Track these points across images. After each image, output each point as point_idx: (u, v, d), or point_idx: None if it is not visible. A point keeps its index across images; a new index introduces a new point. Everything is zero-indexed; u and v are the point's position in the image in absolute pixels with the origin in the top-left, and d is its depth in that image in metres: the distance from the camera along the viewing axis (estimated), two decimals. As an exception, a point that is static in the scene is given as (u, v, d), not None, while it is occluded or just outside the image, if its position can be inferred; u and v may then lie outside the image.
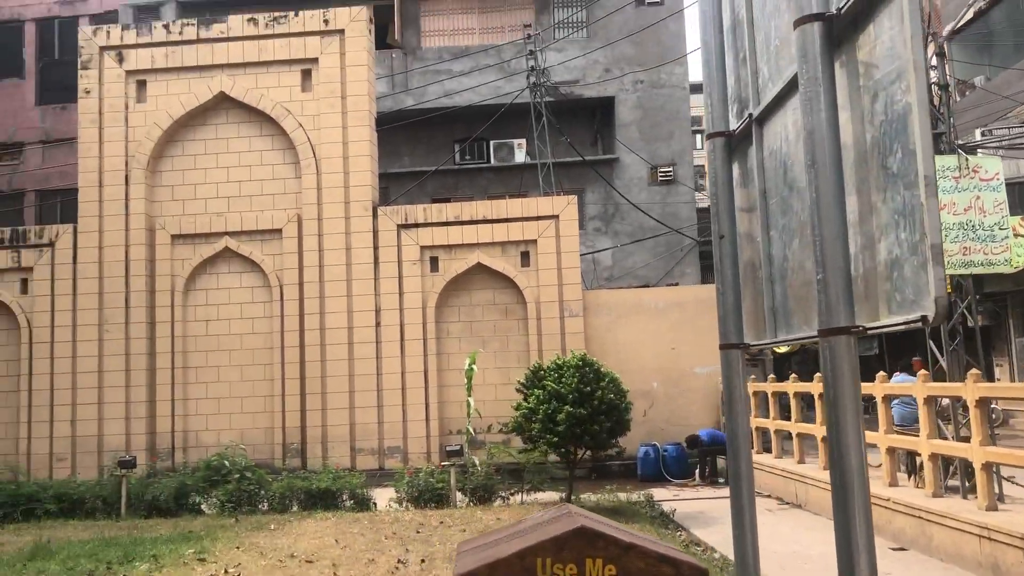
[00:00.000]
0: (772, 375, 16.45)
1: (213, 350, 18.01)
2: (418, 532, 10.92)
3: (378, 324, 17.60)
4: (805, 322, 3.33)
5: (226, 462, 13.74)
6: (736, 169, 4.20)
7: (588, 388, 11.16)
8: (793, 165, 3.42)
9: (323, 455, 17.22)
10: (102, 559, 9.84)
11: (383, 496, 13.59)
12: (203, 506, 13.57)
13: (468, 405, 13.86)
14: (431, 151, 24.00)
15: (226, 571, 8.89)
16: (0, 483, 14.20)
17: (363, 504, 13.30)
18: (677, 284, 21.74)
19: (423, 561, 9.10)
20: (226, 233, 18.11)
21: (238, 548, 10.26)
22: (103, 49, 18.62)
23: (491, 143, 23.06)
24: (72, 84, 25.04)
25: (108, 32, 18.78)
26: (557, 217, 17.60)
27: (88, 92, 18.55)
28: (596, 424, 11.10)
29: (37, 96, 24.96)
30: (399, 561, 9.11)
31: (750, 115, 3.87)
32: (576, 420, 11.00)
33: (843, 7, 2.81)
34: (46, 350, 18.04)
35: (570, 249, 17.54)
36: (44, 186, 24.67)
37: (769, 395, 14.45)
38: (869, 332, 2.78)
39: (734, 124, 4.13)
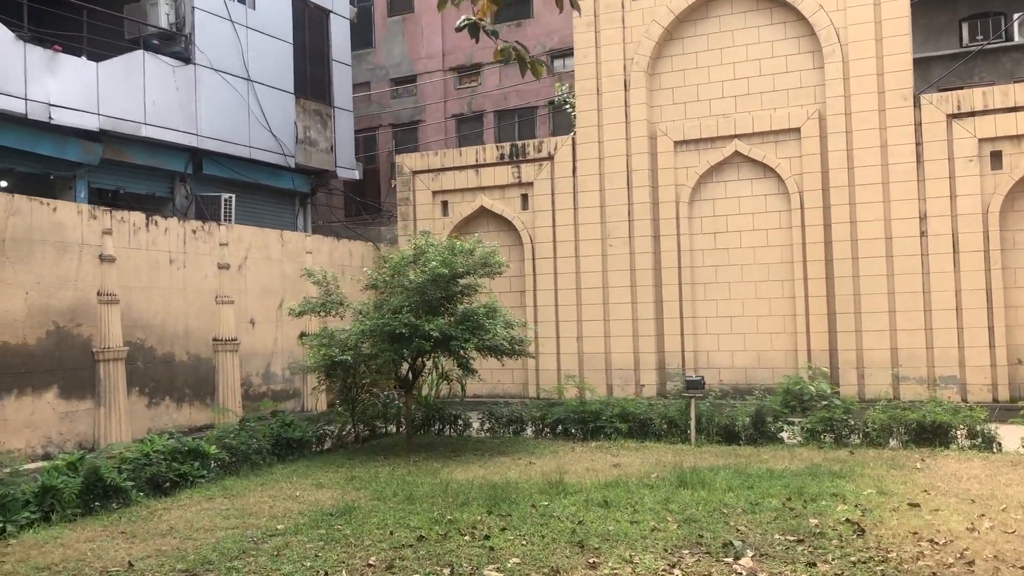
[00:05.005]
0: None
1: (723, 264, 16.59)
2: None
3: (923, 234, 15.02)
4: None
5: (812, 387, 12.15)
6: None
7: None
8: None
9: (858, 382, 15.21)
10: (761, 492, 8.56)
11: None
12: (782, 434, 12.13)
13: None
14: (930, 36, 20.54)
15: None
16: (567, 401, 13.81)
17: (987, 443, 11.04)
18: None
19: None
20: (735, 136, 16.43)
21: (927, 492, 8.48)
22: (596, -54, 17.49)
23: (1014, 17, 19.10)
24: (524, -1, 24.89)
25: (600, -73, 17.61)
26: None
27: (583, -6, 17.57)
28: None
29: (493, 15, 24.95)
30: None
31: None
32: None
33: None
34: (549, 265, 17.75)
35: None
36: (501, 106, 24.83)
37: None
38: None
39: None
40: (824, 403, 11.95)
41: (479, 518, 7.81)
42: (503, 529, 7.38)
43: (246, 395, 14.91)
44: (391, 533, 7.37)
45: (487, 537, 7.13)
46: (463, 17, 5.96)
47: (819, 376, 12.75)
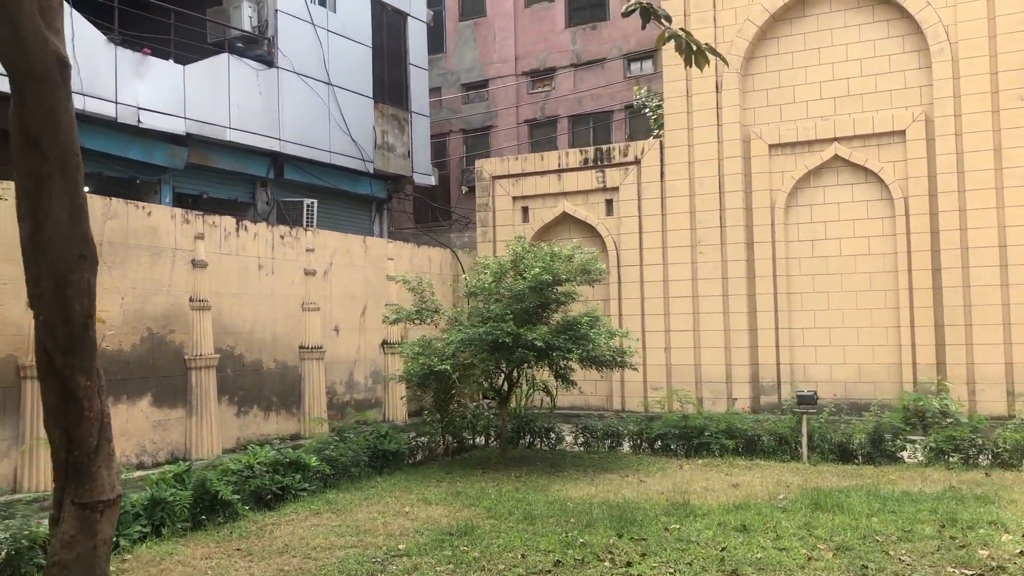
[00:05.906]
0: None
1: (820, 274, 15.86)
2: None
3: (1041, 241, 14.18)
4: None
5: (935, 403, 11.43)
6: None
7: None
8: None
9: (969, 398, 14.34)
10: (908, 518, 7.92)
11: None
12: (902, 453, 11.42)
13: None
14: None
15: None
16: (667, 415, 13.24)
17: None
18: None
19: None
20: (834, 139, 15.71)
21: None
22: (687, -56, 16.94)
23: None
24: (601, 1, 24.39)
25: (691, -76, 17.05)
26: None
27: (672, -7, 17.03)
28: None
29: (567, 18, 24.55)
30: None
31: None
32: None
33: None
34: (635, 273, 17.19)
35: None
36: (575, 111, 24.33)
37: None
38: None
39: None
40: (949, 420, 11.21)
41: (611, 541, 7.30)
42: (643, 555, 6.86)
43: (330, 404, 14.60)
44: (523, 556, 6.89)
45: (629, 564, 6.62)
46: (633, 1, 5.48)
47: (943, 391, 11.99)
